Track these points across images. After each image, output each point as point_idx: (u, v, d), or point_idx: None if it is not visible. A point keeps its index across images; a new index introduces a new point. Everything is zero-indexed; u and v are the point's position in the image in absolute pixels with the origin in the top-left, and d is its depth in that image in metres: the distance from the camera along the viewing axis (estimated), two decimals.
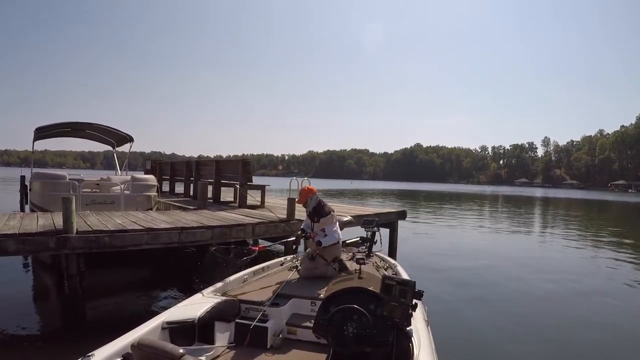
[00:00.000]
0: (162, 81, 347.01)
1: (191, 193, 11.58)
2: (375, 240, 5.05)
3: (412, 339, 2.49)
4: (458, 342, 4.76)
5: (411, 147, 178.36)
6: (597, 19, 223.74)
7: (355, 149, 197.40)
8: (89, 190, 9.01)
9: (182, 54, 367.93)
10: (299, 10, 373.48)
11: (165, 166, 15.37)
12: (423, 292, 2.57)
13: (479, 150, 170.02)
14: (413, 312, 2.52)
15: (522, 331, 5.34)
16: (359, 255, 4.40)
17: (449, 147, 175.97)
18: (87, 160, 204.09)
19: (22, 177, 12.20)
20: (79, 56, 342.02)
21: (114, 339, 2.36)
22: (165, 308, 3.33)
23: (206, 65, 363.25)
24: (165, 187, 14.25)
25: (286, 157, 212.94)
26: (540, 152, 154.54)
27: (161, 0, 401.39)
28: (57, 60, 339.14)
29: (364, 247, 5.11)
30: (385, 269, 4.29)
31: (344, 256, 4.70)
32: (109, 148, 14.79)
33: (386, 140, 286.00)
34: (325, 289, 3.26)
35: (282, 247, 7.61)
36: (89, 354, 2.16)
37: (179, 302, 3.21)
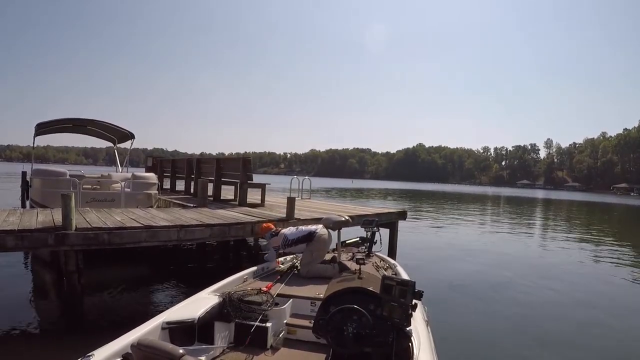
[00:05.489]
0: (165, 79, 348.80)
1: (192, 190, 11.57)
2: (375, 241, 5.04)
3: (412, 339, 2.47)
4: (458, 342, 4.74)
5: (413, 147, 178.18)
6: (599, 20, 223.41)
7: (357, 148, 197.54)
8: (90, 187, 9.00)
9: (184, 51, 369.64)
10: (302, 10, 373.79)
11: (166, 163, 15.35)
12: (423, 292, 2.55)
13: (481, 151, 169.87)
14: (413, 312, 2.50)
15: (522, 332, 5.32)
16: (358, 256, 4.39)
17: (451, 147, 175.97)
18: (90, 156, 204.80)
19: (24, 173, 12.22)
20: (81, 54, 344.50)
21: (114, 339, 2.35)
22: (165, 307, 3.32)
23: (209, 63, 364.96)
24: (167, 184, 14.24)
25: (288, 156, 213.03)
26: (542, 153, 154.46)
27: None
28: (59, 57, 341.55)
29: (364, 247, 5.09)
30: (385, 269, 4.28)
31: (344, 256, 4.69)
32: (111, 144, 14.82)
33: (388, 139, 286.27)
34: (325, 289, 3.24)
35: None
36: (89, 354, 2.15)
37: (179, 301, 3.19)
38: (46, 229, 4.69)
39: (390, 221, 8.99)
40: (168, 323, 2.74)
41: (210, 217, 6.63)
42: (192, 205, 8.46)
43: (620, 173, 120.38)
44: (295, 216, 7.13)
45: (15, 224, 4.88)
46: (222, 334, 2.98)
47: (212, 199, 9.87)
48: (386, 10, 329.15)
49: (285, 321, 3.24)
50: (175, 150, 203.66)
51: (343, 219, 4.58)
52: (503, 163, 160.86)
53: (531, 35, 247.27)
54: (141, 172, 11.08)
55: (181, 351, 1.77)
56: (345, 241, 5.20)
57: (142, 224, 5.39)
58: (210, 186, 9.97)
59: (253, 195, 9.71)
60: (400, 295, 2.52)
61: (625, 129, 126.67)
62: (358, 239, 5.32)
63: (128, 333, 2.45)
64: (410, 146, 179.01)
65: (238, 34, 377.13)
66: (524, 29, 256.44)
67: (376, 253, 4.96)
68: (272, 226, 4.86)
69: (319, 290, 3.53)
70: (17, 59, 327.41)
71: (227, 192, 10.94)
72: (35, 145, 12.16)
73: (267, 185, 9.95)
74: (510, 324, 5.63)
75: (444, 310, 5.70)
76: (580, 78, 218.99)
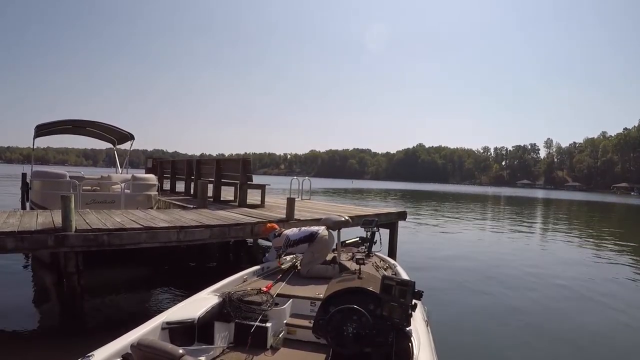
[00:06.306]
0: (165, 79, 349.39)
1: (192, 192, 11.58)
2: (374, 241, 5.04)
3: (412, 339, 2.47)
4: (458, 342, 4.74)
5: (413, 147, 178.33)
6: (599, 20, 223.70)
7: (357, 149, 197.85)
8: (90, 188, 9.00)
9: (184, 52, 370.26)
10: (301, 10, 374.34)
11: (166, 164, 15.36)
12: (423, 292, 2.55)
13: (481, 151, 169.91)
14: (413, 313, 2.50)
15: (522, 332, 5.31)
16: (358, 256, 4.39)
17: (451, 147, 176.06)
18: (90, 157, 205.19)
19: (24, 175, 12.22)
20: (81, 54, 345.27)
21: (114, 339, 2.34)
22: (164, 308, 3.31)
23: (209, 63, 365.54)
24: (167, 185, 14.25)
25: (288, 157, 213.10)
26: (542, 153, 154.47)
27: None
28: (59, 59, 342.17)
29: (364, 247, 5.08)
30: (385, 269, 4.28)
31: (344, 256, 4.69)
32: (111, 146, 14.82)
33: (388, 140, 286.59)
34: (324, 289, 3.24)
35: None
36: (89, 354, 2.14)
37: (179, 302, 3.19)
38: (46, 230, 4.70)
39: (390, 221, 8.99)
40: (168, 323, 2.74)
41: (210, 218, 6.63)
42: (192, 206, 8.47)
43: (620, 172, 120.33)
44: (295, 217, 7.13)
45: (15, 225, 4.88)
46: (222, 334, 2.98)
47: (212, 200, 9.87)
48: (386, 10, 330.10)
49: (285, 321, 3.24)
50: (175, 151, 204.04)
51: (343, 219, 4.58)
52: (503, 163, 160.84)
53: (531, 35, 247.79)
54: (141, 174, 11.08)
55: (181, 351, 1.77)
56: (345, 241, 5.20)
57: (142, 225, 5.39)
58: (210, 187, 9.98)
59: (253, 196, 9.72)
60: (400, 295, 2.52)
61: (625, 129, 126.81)
62: (358, 239, 5.32)
63: (128, 333, 2.44)
64: (410, 146, 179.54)
65: (238, 34, 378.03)
66: (524, 29, 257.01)
67: (376, 253, 4.96)
68: (276, 226, 4.87)
69: (319, 290, 3.53)
70: (17, 59, 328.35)
71: (227, 193, 10.94)
72: (35, 147, 12.16)
73: (267, 186, 9.94)
74: (510, 324, 5.62)
75: (444, 310, 5.70)
76: (580, 78, 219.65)
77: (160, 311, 3.00)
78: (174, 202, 9.56)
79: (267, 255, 4.62)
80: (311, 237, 4.32)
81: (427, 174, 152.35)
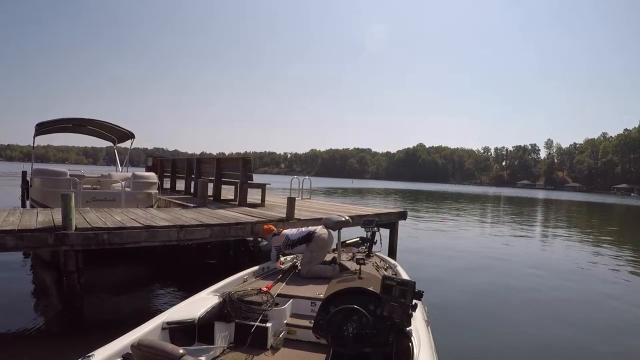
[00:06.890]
0: (166, 79, 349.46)
1: (192, 190, 11.57)
2: (375, 241, 5.03)
3: (412, 339, 2.47)
4: (458, 342, 4.74)
5: (414, 147, 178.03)
6: (600, 21, 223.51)
7: (357, 148, 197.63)
8: (90, 186, 9.00)
9: (185, 52, 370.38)
10: (302, 10, 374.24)
11: (166, 163, 15.34)
12: (423, 292, 2.55)
13: (482, 151, 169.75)
14: (413, 313, 2.50)
15: (522, 332, 5.31)
16: (358, 256, 4.40)
17: (452, 147, 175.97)
18: (90, 156, 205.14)
19: (24, 173, 12.22)
20: (82, 54, 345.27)
21: (114, 339, 2.34)
22: (165, 308, 3.31)
23: (209, 63, 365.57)
24: (167, 184, 14.24)
25: (289, 156, 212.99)
26: (542, 154, 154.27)
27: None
28: (61, 58, 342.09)
29: (364, 247, 5.08)
30: (385, 269, 4.28)
31: (344, 256, 4.68)
32: (111, 144, 14.82)
33: (389, 139, 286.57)
34: (325, 289, 3.24)
35: None
36: (89, 354, 2.14)
37: (179, 302, 3.19)
38: (46, 228, 4.69)
39: (390, 221, 8.99)
40: (168, 323, 2.73)
41: (210, 217, 6.62)
42: (192, 205, 8.46)
43: (620, 173, 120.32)
44: (296, 216, 7.12)
45: (15, 223, 4.88)
46: (223, 334, 2.97)
47: (212, 198, 9.87)
48: (387, 10, 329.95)
49: (285, 321, 3.24)
50: (176, 150, 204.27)
51: (343, 219, 4.58)
52: (503, 163, 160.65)
53: (531, 35, 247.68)
54: (141, 172, 11.07)
55: (181, 351, 1.77)
56: (345, 241, 5.19)
57: (142, 224, 5.38)
58: (211, 186, 9.97)
59: (253, 195, 9.71)
60: (400, 296, 2.52)
61: (626, 130, 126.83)
62: (358, 239, 5.32)
63: (128, 333, 2.44)
64: (411, 146, 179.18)
65: (238, 34, 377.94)
66: (524, 29, 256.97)
67: (376, 253, 4.96)
68: (274, 228, 4.87)
69: (319, 291, 3.53)
70: (17, 59, 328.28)
71: (227, 192, 10.94)
72: (35, 145, 12.17)
73: (267, 185, 9.94)
74: (510, 324, 5.62)
75: (444, 310, 5.69)
76: (581, 78, 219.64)
77: (160, 311, 3.00)
78: (174, 200, 9.55)
79: (271, 254, 4.62)
80: (309, 237, 4.32)
81: (428, 174, 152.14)
